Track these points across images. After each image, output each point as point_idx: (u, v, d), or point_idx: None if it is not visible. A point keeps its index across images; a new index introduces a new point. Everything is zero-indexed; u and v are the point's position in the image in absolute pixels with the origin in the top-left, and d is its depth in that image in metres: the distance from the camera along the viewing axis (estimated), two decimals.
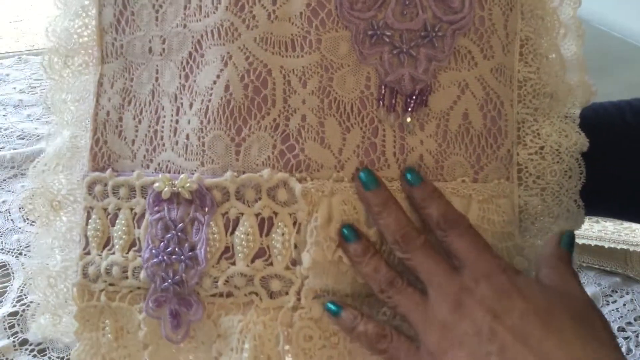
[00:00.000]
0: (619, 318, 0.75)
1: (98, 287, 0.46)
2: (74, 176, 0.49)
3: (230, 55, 0.42)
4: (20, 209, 0.84)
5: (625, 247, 0.80)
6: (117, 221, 0.46)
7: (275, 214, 0.42)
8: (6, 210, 0.84)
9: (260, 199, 0.42)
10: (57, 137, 0.51)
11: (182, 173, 0.43)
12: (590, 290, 0.79)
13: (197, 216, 0.43)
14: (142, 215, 0.44)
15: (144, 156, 0.46)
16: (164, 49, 0.46)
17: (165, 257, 0.43)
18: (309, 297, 0.41)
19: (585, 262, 0.82)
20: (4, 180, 0.90)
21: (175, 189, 0.43)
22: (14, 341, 0.64)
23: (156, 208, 0.44)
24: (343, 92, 0.42)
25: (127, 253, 0.45)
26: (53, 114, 0.52)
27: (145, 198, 0.44)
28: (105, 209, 0.46)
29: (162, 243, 0.43)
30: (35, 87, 1.16)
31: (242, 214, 0.42)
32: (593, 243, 0.80)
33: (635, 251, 0.80)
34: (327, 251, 0.41)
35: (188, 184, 0.42)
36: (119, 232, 0.45)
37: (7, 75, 1.20)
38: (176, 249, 0.43)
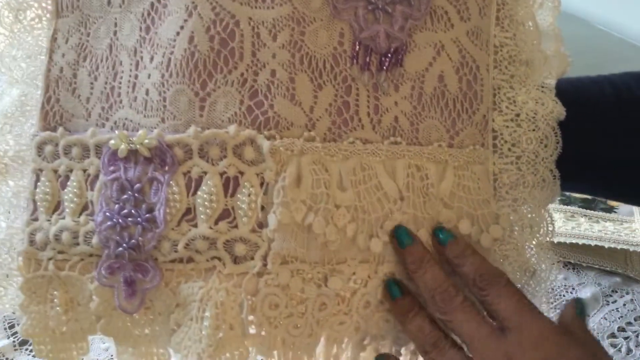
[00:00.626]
0: (619, 318, 0.74)
1: (46, 255, 0.42)
2: (22, 137, 0.46)
3: (195, 5, 0.40)
4: None
5: (625, 247, 0.80)
6: (68, 183, 0.42)
7: (242, 173, 0.39)
8: None
9: (225, 157, 0.39)
10: (4, 97, 0.47)
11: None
12: (590, 290, 0.78)
13: (156, 175, 0.40)
14: (96, 177, 0.41)
15: (99, 114, 0.43)
16: (123, 1, 0.43)
17: (120, 220, 0.40)
18: (276, 262, 0.39)
19: (585, 262, 0.81)
20: None
21: (132, 146, 0.40)
22: (14, 341, 0.64)
23: (111, 168, 0.41)
24: (315, 47, 0.40)
25: (79, 217, 0.41)
26: (2, 72, 0.48)
27: (99, 158, 0.41)
28: (55, 171, 0.43)
29: (117, 205, 0.40)
30: None
31: (206, 172, 0.39)
32: (593, 243, 0.80)
33: (635, 251, 0.80)
34: (295, 213, 0.38)
35: (147, 141, 0.39)
36: (70, 195, 0.42)
37: None
38: (132, 211, 0.40)
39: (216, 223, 0.39)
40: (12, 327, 0.65)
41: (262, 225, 0.39)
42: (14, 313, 0.46)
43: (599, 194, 0.57)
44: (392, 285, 0.41)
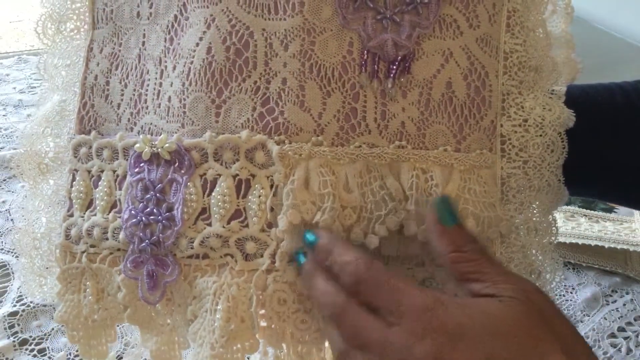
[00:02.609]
0: (619, 318, 0.74)
1: (80, 248, 0.46)
2: (61, 139, 0.50)
3: (213, 18, 0.42)
4: (20, 209, 0.83)
5: (625, 247, 0.79)
6: (99, 183, 0.46)
7: (253, 175, 0.42)
8: (6, 210, 0.83)
9: (238, 160, 0.42)
10: (47, 102, 0.52)
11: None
12: (590, 290, 0.78)
13: (175, 177, 0.43)
14: (124, 177, 0.45)
15: (128, 119, 0.47)
16: (151, 13, 0.46)
17: (143, 218, 0.43)
18: (284, 260, 0.41)
19: (585, 262, 0.81)
20: (4, 180, 0.90)
21: (155, 149, 0.43)
22: (14, 341, 0.64)
23: (136, 169, 0.44)
24: (325, 56, 0.42)
25: (108, 214, 0.45)
26: (45, 80, 0.52)
27: (127, 160, 0.45)
28: (89, 171, 0.47)
29: (141, 204, 0.43)
30: (35, 87, 1.15)
31: (220, 175, 0.42)
32: (593, 243, 0.80)
33: (635, 251, 0.79)
34: (304, 214, 0.40)
35: (167, 144, 0.42)
36: (101, 194, 0.45)
37: (7, 75, 1.19)
38: (154, 210, 0.43)
39: (229, 222, 0.41)
40: (12, 327, 0.66)
41: (271, 225, 0.41)
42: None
43: (607, 198, 0.57)
44: (299, 255, 0.41)
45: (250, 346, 0.42)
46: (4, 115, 1.06)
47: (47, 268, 0.50)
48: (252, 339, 0.42)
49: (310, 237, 0.40)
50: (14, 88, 1.15)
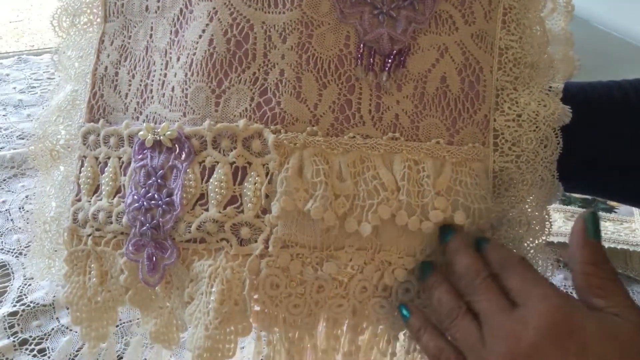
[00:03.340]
0: None
1: (86, 231, 0.48)
2: (72, 127, 0.52)
3: (215, 11, 0.44)
4: (20, 209, 0.84)
5: (625, 247, 0.79)
6: (105, 169, 0.48)
7: (249, 163, 0.43)
8: (6, 210, 0.84)
9: (235, 148, 0.43)
10: (60, 92, 0.54)
11: None
12: None
13: (175, 164, 0.44)
14: (129, 164, 0.47)
15: (135, 108, 0.48)
16: (158, 7, 0.48)
17: (145, 202, 0.45)
18: (277, 245, 0.42)
19: None
20: (4, 180, 0.90)
21: (157, 137, 0.45)
22: (14, 341, 0.64)
23: (140, 156, 0.46)
24: (322, 49, 0.43)
25: (113, 199, 0.47)
26: (59, 70, 0.54)
27: (132, 147, 0.46)
28: (96, 158, 0.49)
29: (143, 189, 0.45)
30: (35, 87, 1.16)
31: (218, 162, 0.43)
32: None
33: (635, 251, 0.79)
34: (297, 201, 0.42)
35: (169, 132, 0.44)
36: (107, 179, 0.47)
37: (7, 75, 1.20)
38: (155, 195, 0.44)
39: (225, 208, 0.43)
40: (12, 327, 0.66)
41: (265, 211, 0.43)
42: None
43: (602, 195, 0.57)
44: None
45: (243, 329, 0.43)
46: (4, 115, 1.06)
47: (55, 251, 0.52)
48: (245, 321, 0.43)
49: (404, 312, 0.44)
50: (14, 88, 1.15)
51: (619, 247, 0.79)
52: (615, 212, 0.87)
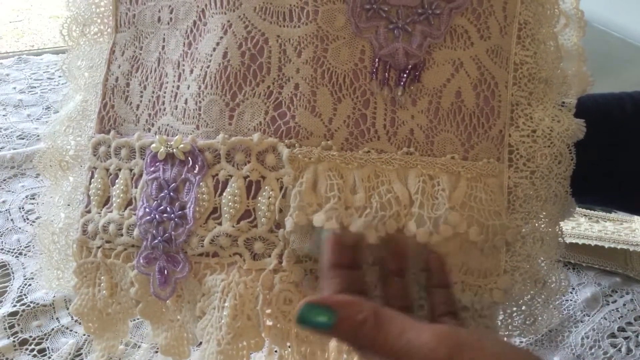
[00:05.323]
0: (619, 318, 0.74)
1: (95, 244, 0.48)
2: (82, 138, 0.52)
3: (230, 24, 0.44)
4: (20, 209, 0.83)
5: (625, 247, 0.80)
6: (116, 181, 0.47)
7: (263, 177, 0.43)
8: (6, 210, 0.83)
9: (249, 162, 0.43)
10: (70, 102, 0.54)
11: None
12: (590, 290, 0.79)
13: (188, 177, 0.44)
14: (140, 175, 0.46)
15: (147, 120, 0.48)
16: (171, 18, 0.48)
17: (157, 215, 0.44)
18: (291, 260, 0.42)
19: (585, 262, 0.82)
20: (4, 180, 0.89)
21: (170, 149, 0.44)
22: (14, 341, 0.63)
23: (152, 168, 0.45)
24: (337, 63, 0.43)
25: (124, 211, 0.46)
26: (68, 80, 0.54)
27: (143, 159, 0.46)
28: (107, 169, 0.48)
29: (155, 202, 0.45)
30: (35, 87, 1.15)
31: (231, 176, 0.43)
32: (593, 243, 0.80)
33: (635, 251, 0.80)
34: (309, 216, 0.41)
35: (182, 145, 0.44)
36: (117, 191, 0.47)
37: (7, 75, 1.19)
38: (167, 208, 0.44)
39: (238, 222, 0.43)
40: (12, 327, 0.65)
41: (279, 226, 0.42)
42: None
43: (619, 208, 0.57)
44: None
45: (256, 344, 0.43)
46: (4, 115, 1.05)
47: (65, 261, 0.52)
48: (257, 337, 0.43)
49: None
50: (14, 88, 1.15)
51: (619, 247, 0.79)
52: (615, 212, 0.87)
